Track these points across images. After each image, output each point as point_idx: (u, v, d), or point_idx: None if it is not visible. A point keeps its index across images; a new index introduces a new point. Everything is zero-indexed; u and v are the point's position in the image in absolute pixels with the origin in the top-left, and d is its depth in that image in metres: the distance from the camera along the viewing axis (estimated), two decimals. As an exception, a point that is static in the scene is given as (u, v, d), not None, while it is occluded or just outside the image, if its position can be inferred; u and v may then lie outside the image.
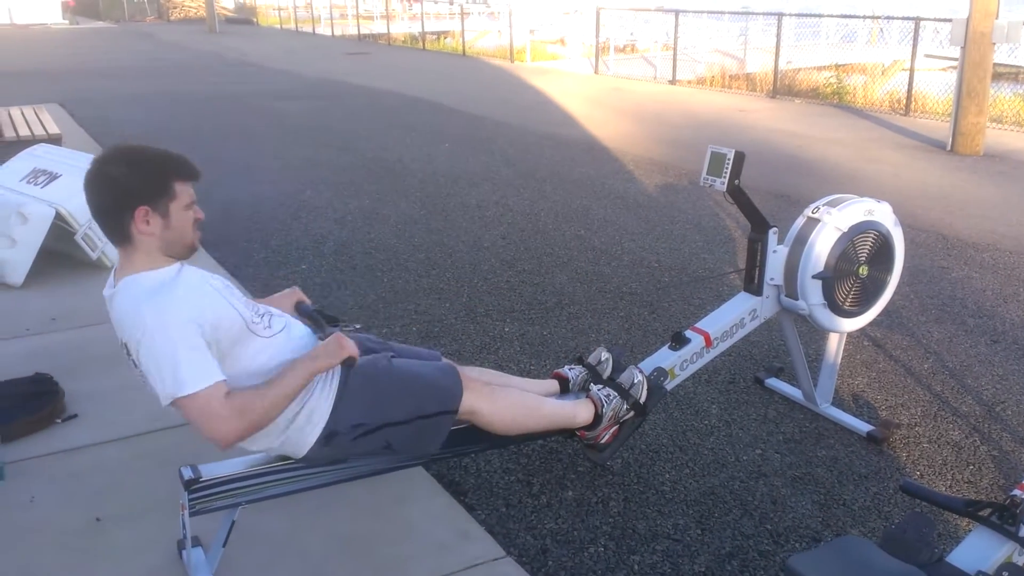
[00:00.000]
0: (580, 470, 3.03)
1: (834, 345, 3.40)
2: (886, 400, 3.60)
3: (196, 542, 2.48)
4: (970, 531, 2.07)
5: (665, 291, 4.82)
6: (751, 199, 3.09)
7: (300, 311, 2.59)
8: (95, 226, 4.78)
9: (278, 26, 30.19)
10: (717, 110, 11.77)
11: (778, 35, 12.56)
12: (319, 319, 2.49)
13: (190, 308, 2.07)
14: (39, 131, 6.67)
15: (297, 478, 2.45)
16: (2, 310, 4.36)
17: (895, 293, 4.57)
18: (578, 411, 2.76)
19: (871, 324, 4.23)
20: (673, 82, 14.66)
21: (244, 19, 32.15)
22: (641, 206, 6.62)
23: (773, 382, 3.68)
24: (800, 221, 3.13)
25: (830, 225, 3.03)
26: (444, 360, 2.65)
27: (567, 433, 2.83)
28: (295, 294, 2.64)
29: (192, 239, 2.20)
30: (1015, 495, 2.06)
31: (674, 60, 14.71)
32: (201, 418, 2.05)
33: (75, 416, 3.30)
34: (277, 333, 2.32)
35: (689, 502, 2.87)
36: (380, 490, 2.78)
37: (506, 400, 2.60)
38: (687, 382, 3.67)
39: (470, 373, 2.66)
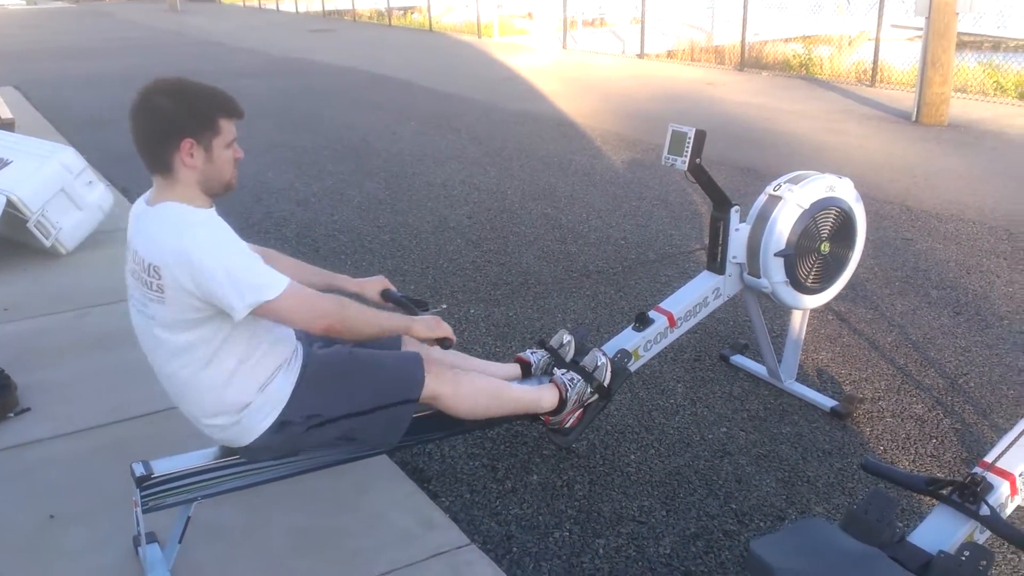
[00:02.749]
0: (545, 453, 3.00)
1: (797, 321, 3.39)
2: (850, 375, 3.60)
3: (152, 538, 2.43)
4: (931, 509, 2.07)
5: (632, 269, 4.79)
6: (712, 177, 3.05)
7: (387, 298, 2.61)
8: (48, 212, 4.69)
9: (241, 4, 29.65)
10: (685, 84, 11.72)
11: (744, 7, 12.50)
12: (408, 304, 2.55)
13: (239, 239, 2.12)
14: (-10, 115, 6.47)
15: (253, 471, 2.40)
16: (-47, 301, 4.25)
17: (859, 266, 4.59)
18: (543, 395, 2.73)
19: (835, 298, 4.25)
20: (641, 56, 14.59)
21: (206, -4, 31.56)
22: (608, 182, 6.57)
23: (738, 359, 3.68)
24: (762, 199, 3.10)
25: (791, 202, 3.00)
26: (407, 348, 2.59)
27: (531, 417, 2.80)
28: (382, 282, 2.64)
29: (230, 177, 2.20)
30: (975, 473, 2.06)
31: (642, 34, 14.62)
32: (298, 308, 2.08)
33: (28, 410, 3.22)
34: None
35: (655, 483, 2.86)
36: (342, 479, 2.74)
37: (470, 386, 2.56)
38: (653, 361, 3.64)
39: (434, 354, 2.61)
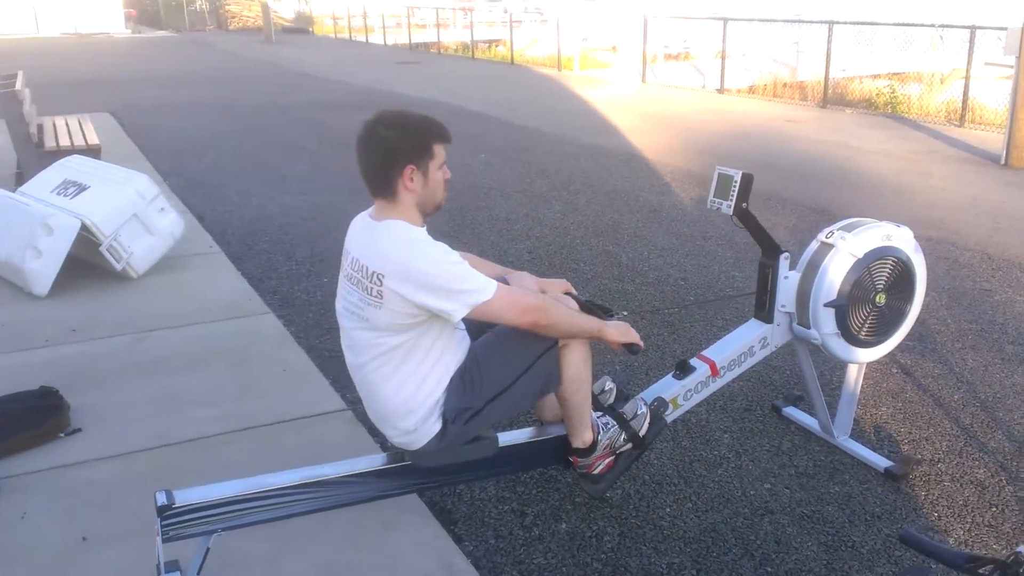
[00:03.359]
0: (577, 501, 2.93)
1: (853, 375, 3.24)
2: (910, 433, 3.42)
3: (174, 567, 2.44)
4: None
5: (688, 310, 4.68)
6: (759, 223, 2.95)
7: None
8: (120, 238, 4.87)
9: (333, 35, 30.56)
10: (764, 120, 11.52)
11: (828, 43, 12.25)
12: (593, 308, 2.64)
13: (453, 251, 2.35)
14: (79, 142, 6.79)
15: (273, 506, 2.41)
16: (25, 320, 4.44)
17: (931, 317, 4.38)
18: (589, 427, 2.66)
19: (901, 350, 4.06)
20: (721, 91, 14.42)
21: (300, 28, 32.62)
22: (674, 220, 6.47)
23: (791, 411, 3.53)
24: (813, 246, 2.99)
25: (844, 251, 2.88)
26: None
27: (564, 462, 2.74)
28: (564, 285, 2.75)
29: (442, 197, 2.40)
30: (1020, 552, 1.91)
31: (722, 68, 14.46)
32: (509, 306, 2.31)
33: (78, 430, 3.32)
34: (462, 328, 2.45)
35: (688, 539, 2.75)
36: (369, 516, 2.72)
37: (587, 352, 2.59)
38: (700, 409, 3.55)
39: (523, 282, 2.67)
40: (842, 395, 3.29)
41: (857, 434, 3.37)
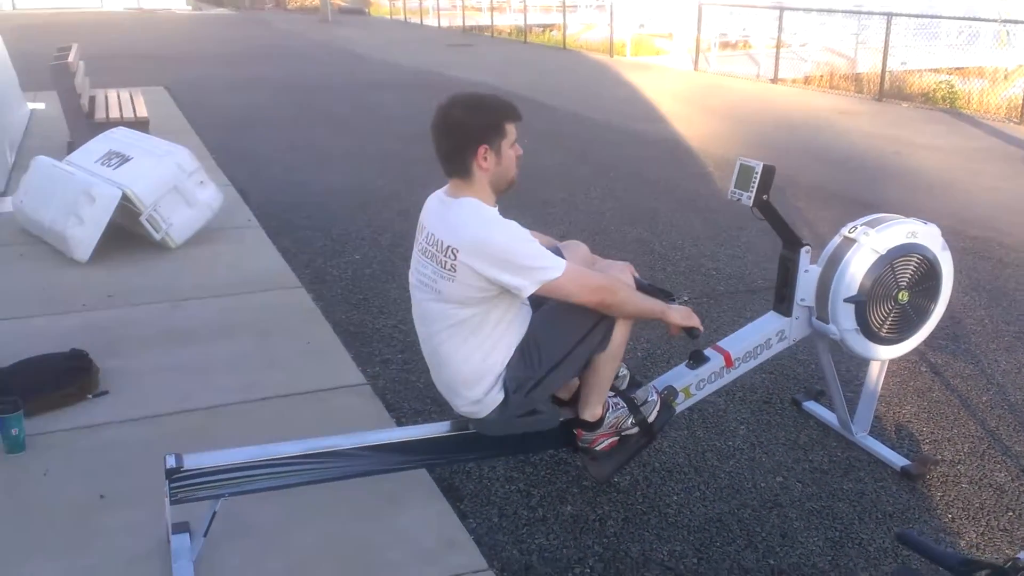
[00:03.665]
0: (584, 484, 2.94)
1: (875, 372, 3.19)
2: (932, 433, 3.36)
3: (184, 528, 2.52)
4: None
5: (717, 301, 4.64)
6: (781, 215, 2.91)
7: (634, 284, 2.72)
8: (160, 208, 4.98)
9: (388, 16, 30.70)
10: (816, 111, 11.31)
11: (887, 35, 11.96)
12: (655, 291, 2.70)
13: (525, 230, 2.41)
14: (128, 114, 6.94)
15: (280, 474, 2.46)
16: (66, 285, 4.57)
17: (967, 318, 4.29)
18: (601, 400, 2.69)
19: (932, 349, 3.99)
20: (775, 81, 14.17)
21: (356, 9, 32.81)
22: (712, 210, 6.40)
23: (811, 405, 3.49)
24: (836, 240, 2.94)
25: (866, 247, 2.83)
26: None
27: (572, 447, 2.75)
28: (628, 267, 2.75)
29: (514, 174, 2.45)
30: (1019, 559, 1.87)
31: (776, 58, 14.21)
32: (580, 285, 2.39)
33: (106, 393, 3.41)
34: (526, 303, 2.50)
35: (692, 528, 2.74)
36: (378, 489, 2.76)
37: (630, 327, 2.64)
38: (718, 400, 3.54)
39: (578, 252, 2.75)
40: (863, 392, 3.24)
41: (878, 431, 3.32)
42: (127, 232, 5.14)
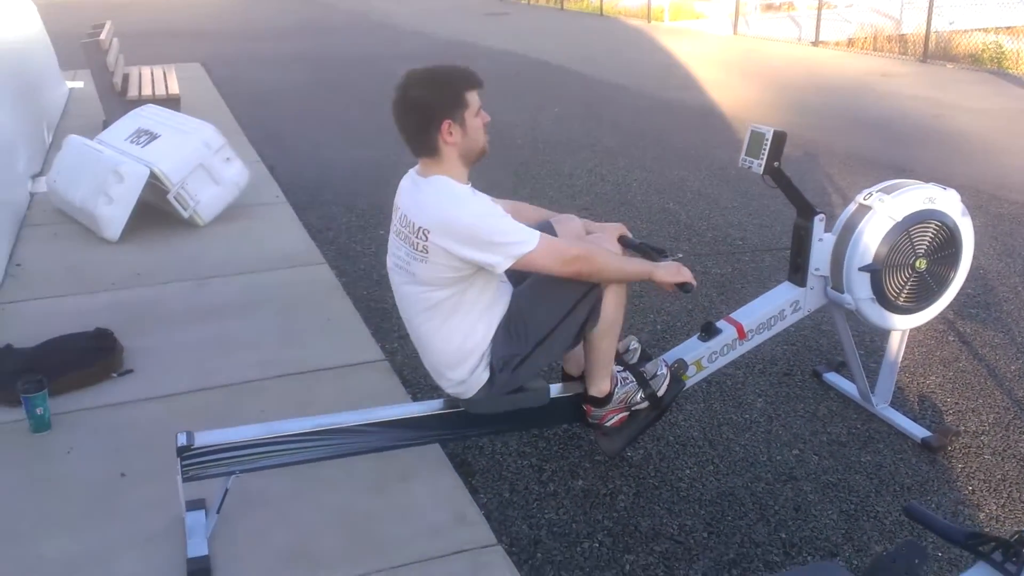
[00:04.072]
0: (597, 459, 2.93)
1: (896, 342, 3.12)
2: (956, 404, 3.29)
3: (199, 505, 2.57)
4: (970, 566, 1.86)
5: (741, 272, 4.58)
6: (792, 182, 2.86)
7: (625, 244, 2.72)
8: (187, 186, 5.03)
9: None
10: (857, 74, 11.02)
11: (931, -7, 11.58)
12: (648, 249, 2.64)
13: (496, 204, 2.41)
14: (160, 91, 7.02)
15: (291, 451, 2.49)
16: (95, 263, 4.66)
17: (1001, 285, 4.18)
18: (608, 375, 2.66)
19: (962, 317, 3.91)
20: (816, 43, 13.83)
21: (393, -21, 32.64)
22: (742, 179, 6.29)
23: (832, 377, 3.44)
24: (851, 208, 2.87)
25: (882, 213, 2.76)
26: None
27: (579, 416, 2.74)
28: (620, 228, 2.76)
29: (484, 142, 2.40)
30: (1024, 532, 1.82)
31: (817, 19, 13.86)
32: (554, 256, 2.32)
33: (130, 371, 3.48)
34: (504, 280, 2.49)
35: (704, 502, 2.73)
36: (390, 464, 2.78)
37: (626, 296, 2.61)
38: (737, 371, 3.50)
39: (570, 225, 2.72)
40: (883, 362, 3.18)
41: (900, 403, 3.27)
42: (157, 210, 5.21)
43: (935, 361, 3.61)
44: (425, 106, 2.30)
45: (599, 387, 2.64)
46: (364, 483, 2.74)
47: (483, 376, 2.47)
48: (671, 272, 2.50)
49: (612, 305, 2.51)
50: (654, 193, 5.96)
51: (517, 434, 3.04)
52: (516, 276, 2.52)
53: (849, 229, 2.82)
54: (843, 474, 2.87)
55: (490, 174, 6.37)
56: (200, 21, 19.15)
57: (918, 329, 3.82)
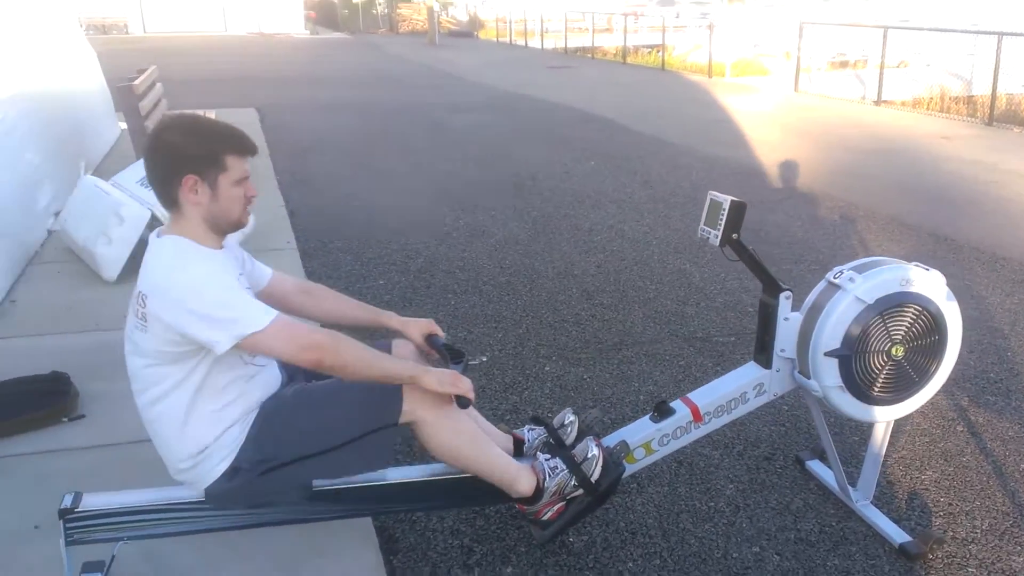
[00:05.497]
0: (534, 543, 2.70)
1: (879, 433, 2.82)
2: (950, 504, 2.96)
3: (98, 568, 2.43)
4: None
5: (744, 340, 4.30)
6: (756, 256, 2.63)
7: (431, 343, 2.54)
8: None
9: (495, 39, 31.00)
10: (916, 136, 10.62)
11: (997, 55, 11.14)
12: (445, 352, 2.47)
13: (233, 272, 2.18)
14: (191, 135, 7.09)
15: (185, 519, 2.34)
16: (89, 303, 4.65)
17: None
18: (520, 478, 2.44)
19: (978, 405, 3.60)
20: (878, 102, 13.44)
21: (465, 32, 33.33)
22: (771, 242, 6.02)
23: (815, 466, 3.15)
24: (820, 286, 2.63)
25: (852, 294, 2.51)
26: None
27: (505, 500, 2.53)
28: (429, 325, 2.55)
29: (239, 216, 2.17)
30: None
31: (880, 78, 13.48)
32: (286, 340, 2.04)
33: (82, 417, 3.40)
34: (259, 367, 2.27)
35: (639, 601, 2.48)
36: (305, 536, 2.62)
37: (454, 423, 2.32)
38: (714, 452, 3.25)
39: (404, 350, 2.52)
40: (867, 454, 2.88)
41: (887, 499, 2.96)
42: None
43: (936, 454, 3.28)
44: (173, 153, 2.09)
45: (517, 490, 2.42)
46: (274, 556, 2.57)
47: (217, 468, 2.19)
48: (442, 380, 2.19)
49: (444, 439, 2.28)
50: (672, 253, 5.73)
51: (455, 510, 2.83)
52: (289, 368, 2.30)
53: (816, 309, 2.57)
54: (804, 579, 2.58)
55: (510, 223, 6.25)
56: (269, 68, 19.76)
57: (924, 416, 3.51)
